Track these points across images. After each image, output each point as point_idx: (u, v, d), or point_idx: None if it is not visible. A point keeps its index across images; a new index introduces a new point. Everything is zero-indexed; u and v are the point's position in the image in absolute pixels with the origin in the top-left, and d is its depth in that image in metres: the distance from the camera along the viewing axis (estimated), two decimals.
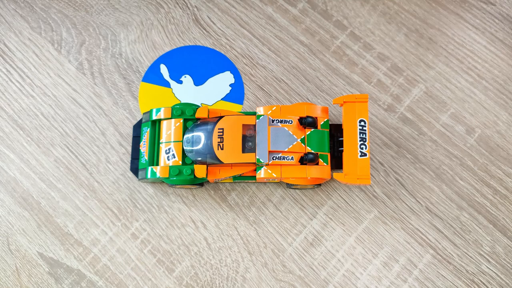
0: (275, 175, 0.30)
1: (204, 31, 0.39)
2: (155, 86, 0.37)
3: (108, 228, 0.34)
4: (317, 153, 0.31)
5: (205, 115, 0.32)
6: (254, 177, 0.31)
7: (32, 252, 0.34)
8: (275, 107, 0.32)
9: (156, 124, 0.33)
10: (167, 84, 0.38)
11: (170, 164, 0.31)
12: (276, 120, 0.31)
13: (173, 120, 0.32)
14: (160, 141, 0.32)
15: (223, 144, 0.30)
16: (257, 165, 0.30)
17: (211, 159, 0.30)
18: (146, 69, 0.38)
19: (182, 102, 0.37)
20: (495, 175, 0.35)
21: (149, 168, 0.31)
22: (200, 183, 0.32)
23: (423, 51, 0.38)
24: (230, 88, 0.37)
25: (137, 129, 0.34)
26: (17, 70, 0.38)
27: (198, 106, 0.32)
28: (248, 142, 0.30)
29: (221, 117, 0.31)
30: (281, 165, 0.30)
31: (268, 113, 0.32)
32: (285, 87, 0.37)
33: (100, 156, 0.36)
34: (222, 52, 0.38)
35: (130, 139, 0.36)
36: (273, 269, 0.33)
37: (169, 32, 0.39)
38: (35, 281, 0.33)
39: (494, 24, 0.38)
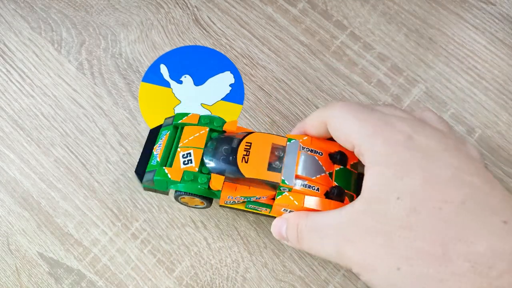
0: (296, 203, 0.27)
1: (204, 31, 0.39)
2: (155, 86, 0.37)
3: (108, 228, 0.34)
4: (344, 190, 0.28)
5: (234, 129, 0.30)
6: (269, 206, 0.28)
7: (32, 252, 0.34)
8: (306, 137, 0.30)
9: (178, 129, 0.31)
10: (167, 84, 0.38)
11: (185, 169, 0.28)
12: (306, 148, 0.29)
13: (198, 127, 0.30)
14: (180, 145, 0.29)
15: (248, 158, 0.27)
16: (280, 188, 0.27)
17: (231, 172, 0.27)
18: (146, 69, 0.38)
19: (182, 102, 0.37)
20: (496, 175, 0.35)
21: (160, 168, 0.29)
22: (209, 200, 0.30)
23: (423, 51, 0.38)
24: (230, 88, 0.37)
25: (154, 133, 0.32)
26: (17, 70, 0.38)
27: (225, 121, 0.30)
28: (275, 161, 0.28)
29: (250, 133, 0.29)
30: (305, 193, 0.27)
31: (299, 141, 0.30)
32: (285, 87, 0.37)
33: (100, 156, 0.36)
34: (222, 52, 0.38)
35: (130, 139, 0.36)
36: (273, 269, 0.33)
37: (169, 32, 0.39)
38: (35, 281, 0.33)
39: (494, 24, 0.38)
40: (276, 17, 0.39)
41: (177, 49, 0.39)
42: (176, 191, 0.29)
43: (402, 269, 0.20)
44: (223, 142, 0.29)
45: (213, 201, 0.30)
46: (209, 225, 0.34)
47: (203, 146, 0.29)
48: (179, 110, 0.37)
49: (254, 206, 0.29)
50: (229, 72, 0.38)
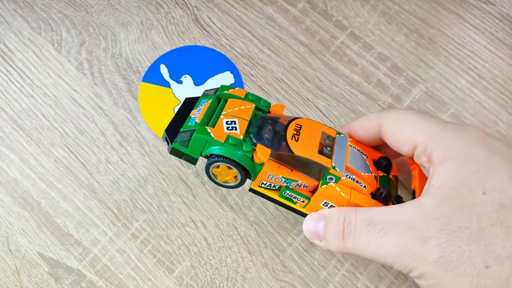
0: (344, 195, 0.25)
1: (204, 31, 0.39)
2: (155, 86, 0.37)
3: (108, 228, 0.34)
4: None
5: (280, 113, 0.28)
6: (307, 198, 0.26)
7: (32, 252, 0.34)
8: (351, 139, 0.29)
9: (221, 101, 0.28)
10: (167, 84, 0.38)
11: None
12: (353, 147, 0.28)
13: (244, 101, 0.28)
14: (223, 113, 0.26)
15: (298, 137, 0.25)
16: (326, 176, 0.25)
17: (280, 147, 0.25)
18: (146, 69, 0.38)
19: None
20: None
21: (202, 126, 0.25)
22: (245, 176, 0.26)
23: (423, 51, 0.38)
24: None
25: (191, 102, 0.29)
26: (17, 70, 0.38)
27: (271, 104, 0.29)
28: (326, 146, 0.26)
29: (299, 117, 0.27)
30: (352, 188, 0.25)
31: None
32: (285, 87, 0.37)
33: (100, 156, 0.36)
34: (222, 52, 0.38)
35: (130, 139, 0.36)
36: (273, 269, 0.33)
37: (169, 32, 0.39)
38: (35, 281, 0.33)
39: (494, 24, 0.38)
40: (276, 17, 0.39)
41: (177, 49, 0.39)
42: (210, 158, 0.25)
43: (491, 268, 0.18)
44: (270, 120, 0.27)
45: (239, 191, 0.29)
46: (209, 225, 0.34)
47: (248, 119, 0.26)
48: None
49: (291, 194, 0.26)
50: (229, 72, 0.38)
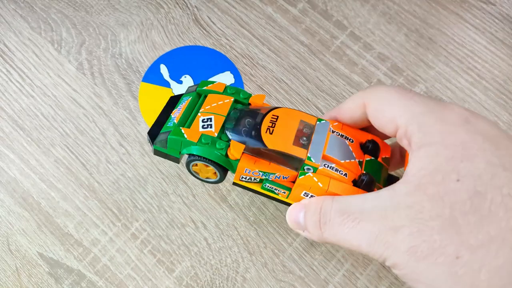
0: (321, 185, 0.24)
1: (204, 31, 0.39)
2: (155, 86, 0.37)
3: (108, 228, 0.34)
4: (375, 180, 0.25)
5: (260, 103, 0.28)
6: (288, 189, 0.26)
7: (32, 252, 0.34)
8: (337, 123, 0.28)
9: (201, 97, 0.29)
10: (167, 84, 0.38)
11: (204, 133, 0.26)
12: (336, 132, 0.27)
13: (223, 95, 0.28)
14: (201, 110, 0.27)
15: (273, 130, 0.25)
16: (303, 167, 0.25)
17: (253, 142, 0.25)
18: (146, 69, 0.38)
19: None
20: None
21: (177, 128, 0.26)
22: (223, 172, 0.27)
23: (423, 51, 0.38)
24: None
25: (174, 100, 0.30)
26: (17, 70, 0.38)
27: (251, 95, 0.29)
28: (302, 137, 0.25)
29: (278, 107, 0.27)
30: (331, 177, 0.25)
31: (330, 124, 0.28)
32: (285, 87, 0.37)
33: (100, 156, 0.36)
34: (222, 52, 0.38)
35: (130, 139, 0.36)
36: (273, 269, 0.33)
37: (169, 32, 0.39)
38: (35, 281, 0.33)
39: (494, 24, 0.38)
40: (276, 17, 0.39)
41: (177, 49, 0.39)
42: (189, 156, 0.26)
43: (463, 258, 0.18)
44: (247, 112, 0.27)
45: (225, 181, 0.28)
46: (209, 225, 0.34)
47: (225, 114, 0.27)
48: None
49: (271, 187, 0.26)
50: (229, 72, 0.38)
